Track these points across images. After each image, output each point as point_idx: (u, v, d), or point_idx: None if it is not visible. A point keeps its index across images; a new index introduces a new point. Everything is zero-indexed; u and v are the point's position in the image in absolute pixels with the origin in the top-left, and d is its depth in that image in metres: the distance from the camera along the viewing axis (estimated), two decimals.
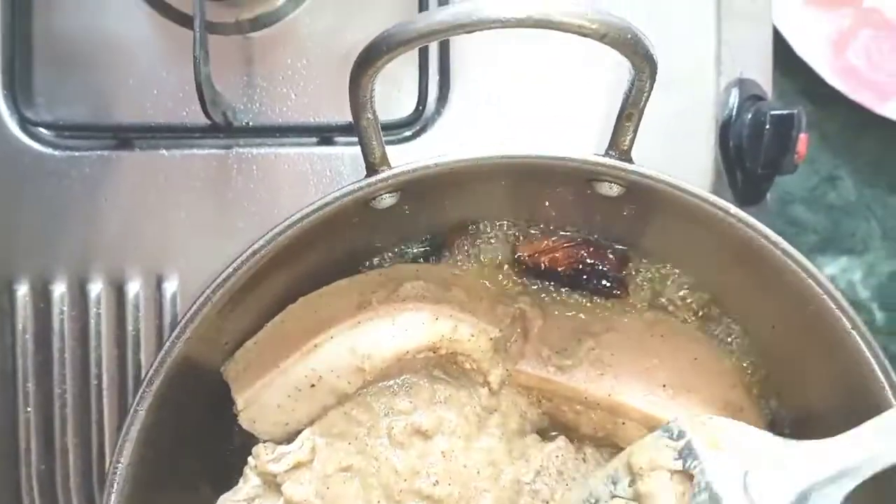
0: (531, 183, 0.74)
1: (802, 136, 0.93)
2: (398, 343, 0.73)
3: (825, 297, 0.67)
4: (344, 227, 0.73)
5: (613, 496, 0.70)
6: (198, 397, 0.76)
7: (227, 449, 0.81)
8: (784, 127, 0.92)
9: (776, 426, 0.79)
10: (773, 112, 0.93)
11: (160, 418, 0.71)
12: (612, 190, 0.70)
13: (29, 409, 0.95)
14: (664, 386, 0.76)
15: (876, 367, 0.67)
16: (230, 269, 0.69)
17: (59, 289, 0.95)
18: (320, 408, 0.75)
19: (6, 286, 0.95)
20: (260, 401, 0.73)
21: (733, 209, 0.66)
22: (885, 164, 1.11)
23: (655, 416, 0.75)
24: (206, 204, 0.93)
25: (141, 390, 0.70)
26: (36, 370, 0.95)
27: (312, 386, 0.73)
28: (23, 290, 0.95)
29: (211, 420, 0.80)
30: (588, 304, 0.81)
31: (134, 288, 0.95)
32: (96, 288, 0.95)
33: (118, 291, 0.95)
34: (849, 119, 1.13)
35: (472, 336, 0.74)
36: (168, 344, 0.70)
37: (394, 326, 0.73)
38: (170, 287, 0.95)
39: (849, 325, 0.67)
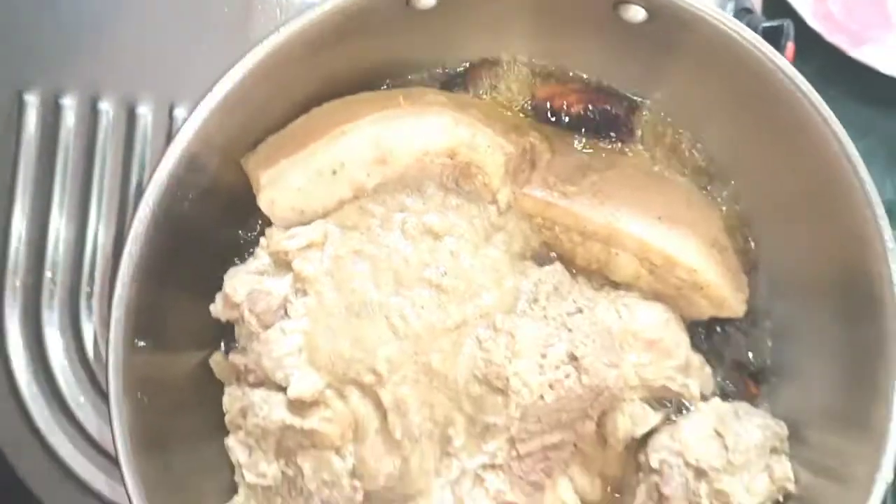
0: (556, 9, 0.79)
1: (790, 45, 1.01)
2: (420, 142, 0.76)
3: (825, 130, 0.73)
4: (378, 28, 0.76)
5: None
6: (211, 208, 0.77)
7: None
8: (774, 36, 1.00)
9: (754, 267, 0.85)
10: (764, 24, 1.01)
11: (170, 219, 0.72)
12: (637, 15, 0.75)
13: (24, 220, 0.95)
14: (660, 218, 0.81)
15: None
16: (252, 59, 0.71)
17: (70, 103, 0.96)
18: (337, 200, 0.77)
19: (16, 95, 0.96)
20: (282, 180, 0.75)
21: (748, 32, 0.73)
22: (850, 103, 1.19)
23: (650, 244, 0.80)
24: (224, 36, 0.95)
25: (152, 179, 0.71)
26: (36, 182, 0.96)
27: (334, 172, 0.76)
28: (33, 101, 0.96)
29: (225, 236, 0.82)
30: (594, 147, 0.86)
31: (145, 111, 0.97)
32: (107, 107, 0.96)
33: (129, 113, 0.96)
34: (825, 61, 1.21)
35: (488, 147, 0.78)
36: (176, 139, 0.71)
37: (418, 125, 0.76)
38: (181, 114, 0.96)
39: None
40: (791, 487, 0.79)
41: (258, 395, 0.75)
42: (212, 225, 0.79)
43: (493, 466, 0.76)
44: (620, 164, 0.85)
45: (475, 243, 0.78)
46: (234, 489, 0.79)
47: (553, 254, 0.83)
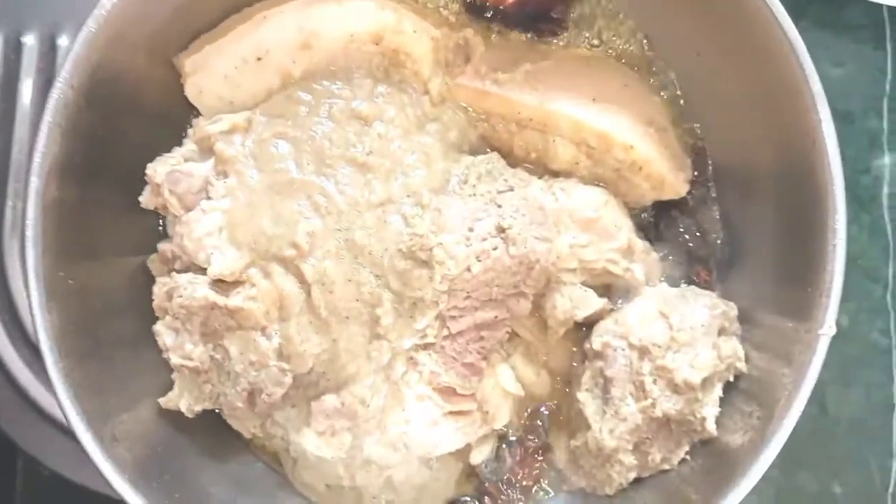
0: None
1: None
2: (344, 26, 0.77)
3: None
4: None
5: None
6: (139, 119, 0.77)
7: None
8: None
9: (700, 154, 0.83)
10: None
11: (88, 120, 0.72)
12: None
13: None
14: (594, 98, 0.79)
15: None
16: None
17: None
18: (265, 90, 0.78)
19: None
20: (207, 66, 0.76)
21: None
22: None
23: (584, 123, 0.78)
24: None
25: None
26: None
27: (259, 59, 0.76)
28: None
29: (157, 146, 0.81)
30: (528, 40, 0.85)
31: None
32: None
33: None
34: None
35: (415, 32, 0.78)
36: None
37: (342, 9, 0.77)
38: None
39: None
40: (742, 367, 0.75)
41: (183, 277, 0.74)
42: (143, 135, 0.79)
43: (424, 347, 0.74)
44: (555, 55, 0.84)
45: (406, 129, 0.77)
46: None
47: (489, 149, 0.81)
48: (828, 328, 0.68)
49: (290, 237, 0.72)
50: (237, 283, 0.73)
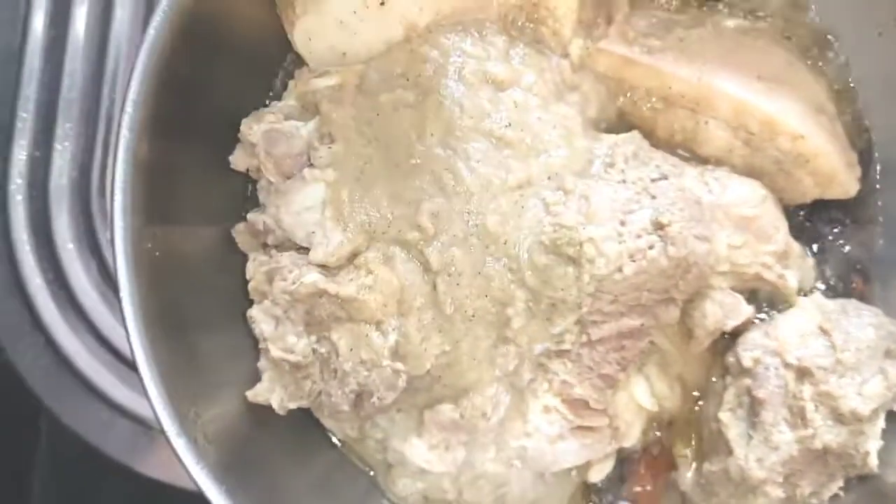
0: None
1: None
2: None
3: None
4: None
5: None
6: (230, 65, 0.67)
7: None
8: None
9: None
10: None
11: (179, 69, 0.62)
12: None
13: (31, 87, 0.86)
14: (759, 77, 0.69)
15: None
16: None
17: None
18: (384, 41, 0.66)
19: None
20: (321, 8, 0.64)
21: None
22: None
23: (749, 105, 0.67)
24: None
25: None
26: (46, 46, 0.86)
27: (382, 3, 0.65)
28: None
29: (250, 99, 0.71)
30: (677, 3, 0.74)
31: None
32: None
33: None
34: None
35: None
36: None
37: None
38: None
39: None
40: None
41: (287, 257, 0.64)
42: (234, 85, 0.69)
43: (559, 353, 0.65)
44: (710, 21, 0.73)
45: (544, 97, 0.67)
46: (257, 378, 0.68)
47: (629, 127, 0.71)
48: None
49: (411, 217, 0.62)
50: (351, 268, 0.63)
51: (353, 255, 0.64)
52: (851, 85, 0.73)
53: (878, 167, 0.74)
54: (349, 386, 0.63)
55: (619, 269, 0.62)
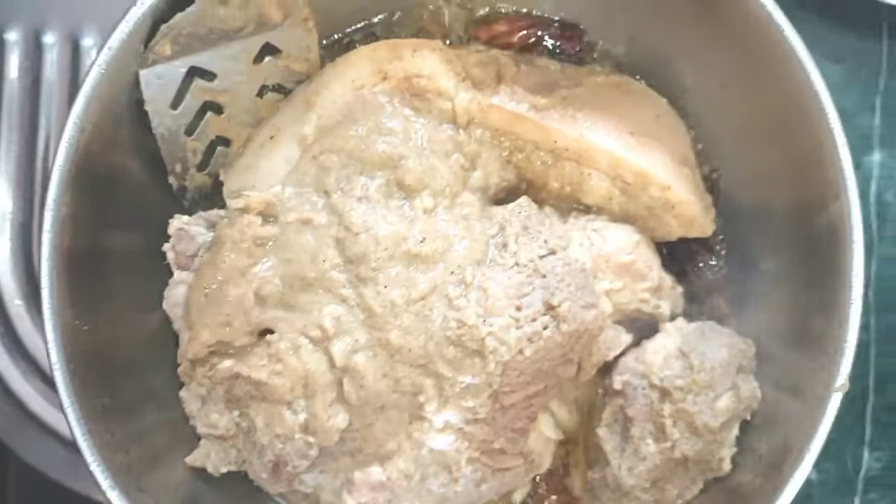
0: None
1: None
2: (344, 75, 0.72)
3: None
4: None
5: None
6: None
7: None
8: None
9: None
10: None
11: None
12: None
13: None
14: (632, 133, 0.76)
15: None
16: None
17: (13, 37, 0.93)
18: (283, 160, 0.71)
19: None
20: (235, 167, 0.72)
21: None
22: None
23: (623, 160, 0.75)
24: None
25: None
26: None
27: (272, 138, 0.70)
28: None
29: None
30: (556, 67, 0.80)
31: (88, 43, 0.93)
32: (51, 40, 0.93)
33: (73, 44, 0.93)
34: None
35: (414, 53, 0.72)
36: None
37: (336, 68, 0.72)
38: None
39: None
40: (755, 406, 0.78)
41: None
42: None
43: (475, 421, 0.73)
44: (586, 82, 0.78)
45: (452, 193, 0.72)
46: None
47: (524, 184, 0.78)
48: (840, 385, 0.71)
49: (314, 318, 0.69)
50: (264, 347, 0.70)
51: (262, 333, 0.71)
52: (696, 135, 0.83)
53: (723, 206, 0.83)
54: (266, 456, 0.72)
55: (521, 352, 0.70)
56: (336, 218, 0.69)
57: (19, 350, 0.93)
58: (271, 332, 0.70)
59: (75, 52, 0.93)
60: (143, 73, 0.70)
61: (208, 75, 0.73)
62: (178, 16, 0.70)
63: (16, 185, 0.92)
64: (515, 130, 0.76)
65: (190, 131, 0.75)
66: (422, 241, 0.69)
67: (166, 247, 0.73)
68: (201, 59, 0.72)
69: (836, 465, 0.99)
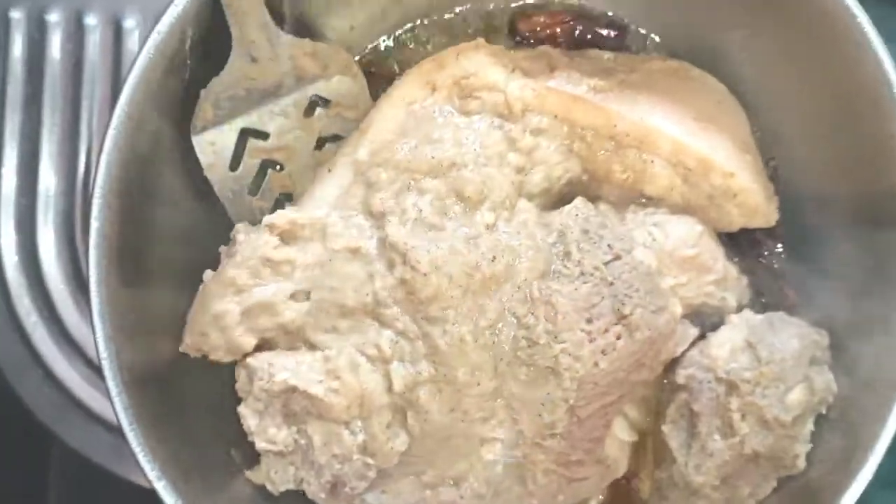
0: None
1: None
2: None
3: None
4: None
5: None
6: None
7: None
8: None
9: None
10: None
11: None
12: None
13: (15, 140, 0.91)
14: (693, 118, 0.72)
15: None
16: None
17: (56, 20, 0.91)
18: (337, 186, 0.69)
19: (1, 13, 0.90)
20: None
21: None
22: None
23: (686, 145, 0.72)
24: None
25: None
26: (25, 100, 0.91)
27: (329, 171, 0.69)
28: (17, 17, 0.91)
29: None
30: (609, 56, 0.76)
31: (130, 24, 0.91)
32: (93, 21, 0.91)
33: (115, 26, 0.91)
34: None
35: (458, 56, 0.70)
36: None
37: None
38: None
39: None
40: (831, 399, 0.75)
41: (260, 359, 0.69)
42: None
43: (552, 436, 0.70)
44: (642, 68, 0.75)
45: (510, 202, 0.69)
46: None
47: (585, 175, 0.74)
48: None
49: (373, 339, 0.66)
50: (321, 369, 0.68)
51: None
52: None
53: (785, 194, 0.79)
54: (325, 477, 0.69)
55: (596, 365, 0.67)
56: (396, 255, 0.65)
57: (63, 334, 0.91)
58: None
59: (117, 33, 0.91)
60: (195, 139, 0.69)
61: (261, 135, 0.72)
62: (214, 80, 0.68)
63: (58, 168, 0.90)
64: (573, 116, 0.72)
65: (253, 191, 0.73)
66: (493, 261, 0.66)
67: (223, 251, 0.70)
68: (250, 120, 0.71)
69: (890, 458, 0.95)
